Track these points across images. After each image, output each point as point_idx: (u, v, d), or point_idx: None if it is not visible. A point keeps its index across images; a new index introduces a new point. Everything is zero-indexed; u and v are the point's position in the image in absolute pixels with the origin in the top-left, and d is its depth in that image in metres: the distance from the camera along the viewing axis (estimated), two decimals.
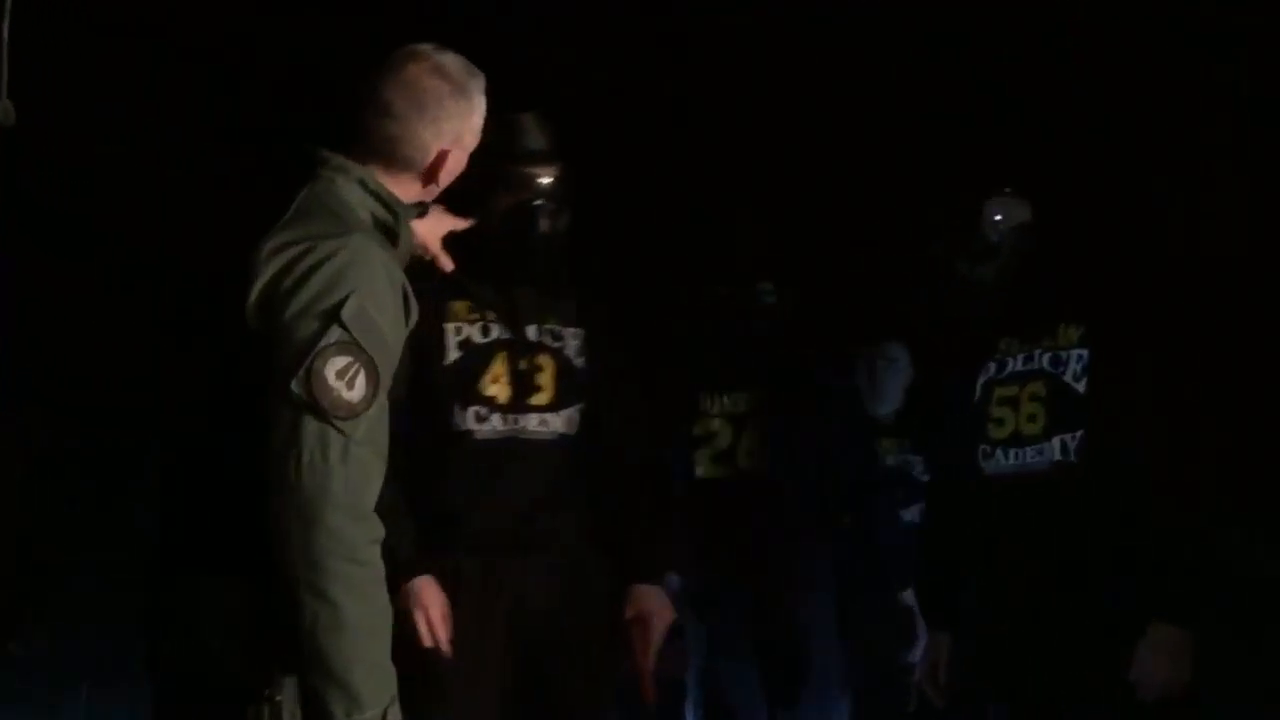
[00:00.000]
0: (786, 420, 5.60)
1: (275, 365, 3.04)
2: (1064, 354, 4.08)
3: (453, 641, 4.02)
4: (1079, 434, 4.01)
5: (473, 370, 4.14)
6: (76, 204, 5.70)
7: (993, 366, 4.20)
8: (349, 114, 3.31)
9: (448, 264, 3.73)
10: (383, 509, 3.89)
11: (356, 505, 3.02)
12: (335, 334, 3.03)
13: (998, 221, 4.22)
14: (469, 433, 4.13)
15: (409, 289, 3.21)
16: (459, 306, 4.18)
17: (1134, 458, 3.95)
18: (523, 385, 4.16)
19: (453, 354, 4.15)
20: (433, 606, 4.01)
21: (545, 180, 4.14)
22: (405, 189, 3.30)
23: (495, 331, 4.18)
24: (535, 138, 4.16)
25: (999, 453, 4.12)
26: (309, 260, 3.08)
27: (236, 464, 3.09)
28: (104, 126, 5.67)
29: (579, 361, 4.23)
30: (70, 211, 5.69)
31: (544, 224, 4.13)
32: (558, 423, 4.18)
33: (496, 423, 4.14)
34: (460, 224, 3.80)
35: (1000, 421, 4.13)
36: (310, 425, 3.00)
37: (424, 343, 4.06)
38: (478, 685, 4.05)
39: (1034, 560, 4.02)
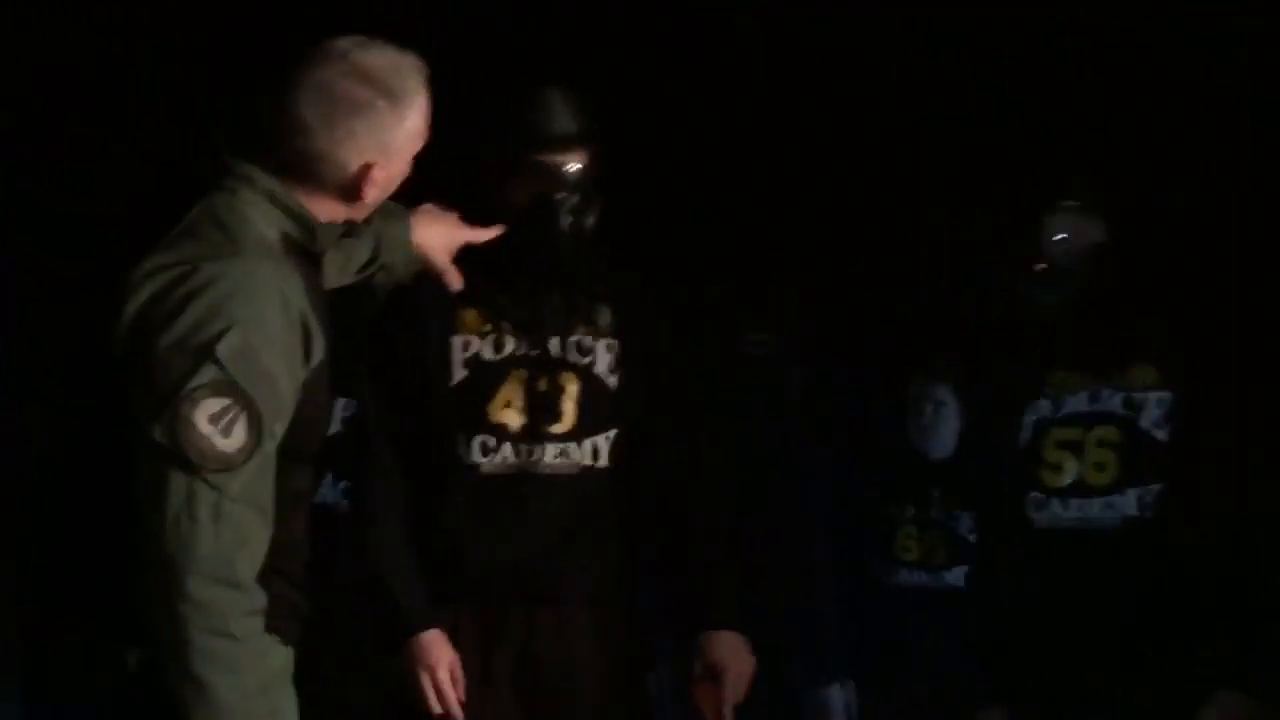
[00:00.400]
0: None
1: (140, 408, 2.65)
2: (1139, 396, 3.69)
3: (463, 704, 3.51)
4: (1157, 488, 3.66)
5: (481, 393, 3.56)
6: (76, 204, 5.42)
7: (1045, 404, 3.77)
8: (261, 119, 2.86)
9: (456, 281, 3.23)
10: (384, 551, 3.53)
11: (228, 572, 2.64)
12: (209, 373, 2.63)
13: (1062, 240, 3.71)
14: (474, 466, 3.56)
15: (312, 321, 2.75)
16: (469, 316, 3.60)
17: (1224, 518, 3.61)
18: (540, 410, 3.57)
19: (458, 373, 3.57)
20: (440, 666, 3.49)
21: (570, 168, 3.52)
22: (326, 208, 2.85)
23: (510, 346, 3.60)
24: (558, 118, 3.54)
25: (1055, 502, 3.72)
26: (185, 286, 2.68)
27: (109, 517, 2.74)
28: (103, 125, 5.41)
29: (612, 380, 3.62)
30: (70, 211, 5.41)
31: (567, 219, 3.51)
32: (580, 454, 3.59)
33: (506, 454, 3.57)
34: (478, 235, 3.30)
35: (1058, 468, 3.73)
36: (176, 478, 2.63)
37: (427, 360, 3.54)
38: None
39: (1093, 626, 3.66)
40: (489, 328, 3.57)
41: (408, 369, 3.56)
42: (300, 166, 2.80)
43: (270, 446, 2.69)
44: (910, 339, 5.81)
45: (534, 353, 3.57)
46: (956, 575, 5.25)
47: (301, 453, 2.81)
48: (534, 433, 3.56)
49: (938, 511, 5.40)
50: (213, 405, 2.63)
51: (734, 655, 3.58)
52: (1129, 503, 3.65)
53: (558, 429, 3.57)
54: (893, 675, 5.27)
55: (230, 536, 2.64)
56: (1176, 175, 4.76)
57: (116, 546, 2.71)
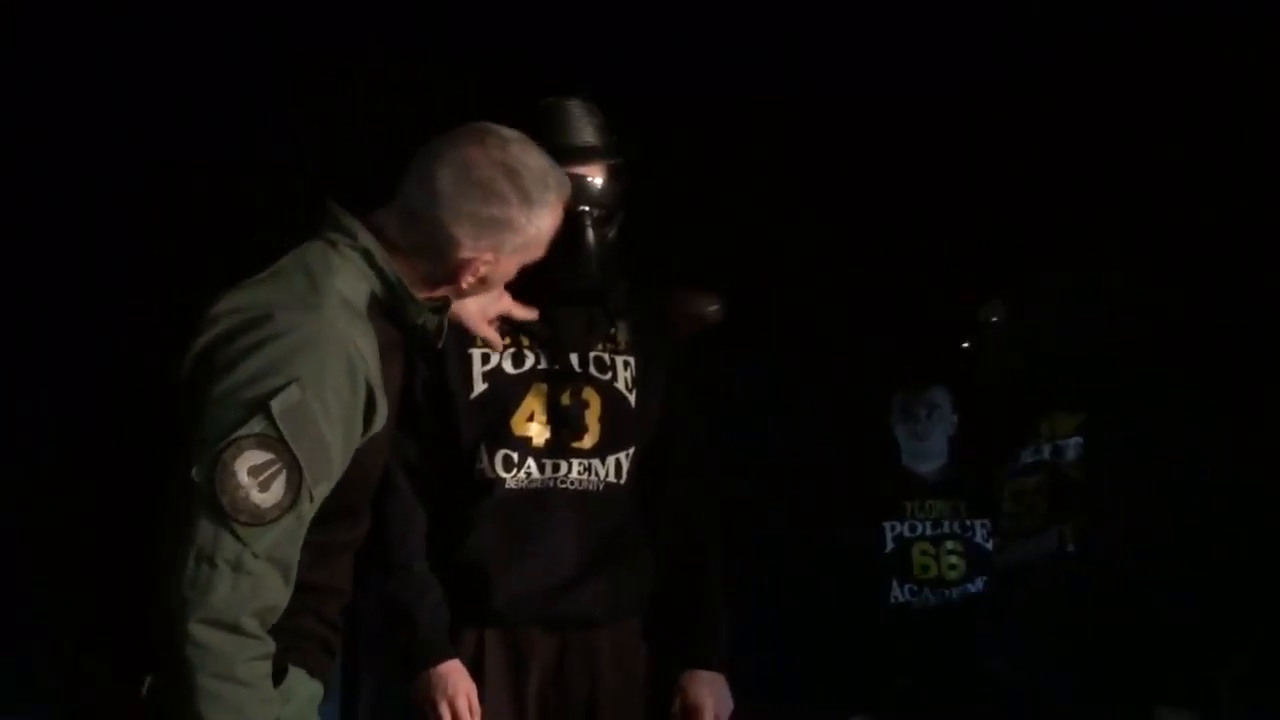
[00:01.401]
0: None
1: (186, 444, 2.61)
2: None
3: None
4: None
5: (503, 406, 3.47)
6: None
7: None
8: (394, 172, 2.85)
9: (497, 343, 3.26)
10: (402, 573, 3.42)
11: (235, 620, 2.59)
12: (259, 425, 2.59)
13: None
14: (498, 481, 3.46)
15: (377, 388, 2.71)
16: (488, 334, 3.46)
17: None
18: (564, 424, 3.49)
19: (479, 386, 3.48)
20: (459, 697, 3.40)
21: (592, 181, 3.44)
22: (421, 278, 2.83)
23: (531, 360, 3.51)
24: (579, 130, 3.46)
25: None
26: (257, 333, 2.65)
27: (137, 545, 2.72)
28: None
29: (631, 397, 3.55)
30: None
31: (591, 234, 3.43)
32: (604, 470, 3.51)
33: (531, 469, 3.48)
34: (517, 309, 3.26)
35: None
36: (204, 522, 2.58)
37: (447, 374, 3.45)
38: None
39: None
40: (508, 341, 3.48)
41: (426, 387, 3.47)
42: (413, 225, 2.80)
43: (307, 510, 2.65)
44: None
45: (555, 367, 3.49)
46: (977, 584, 5.22)
47: (351, 510, 2.79)
48: (558, 447, 3.48)
49: (952, 524, 5.34)
50: (256, 457, 2.60)
51: (713, 696, 3.52)
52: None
53: (582, 443, 3.49)
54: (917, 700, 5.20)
55: (247, 590, 2.59)
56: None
57: (142, 573, 2.66)
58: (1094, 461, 3.81)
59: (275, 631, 2.65)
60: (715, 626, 3.57)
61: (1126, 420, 3.85)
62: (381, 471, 2.92)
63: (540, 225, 2.86)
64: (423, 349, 3.04)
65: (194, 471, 2.58)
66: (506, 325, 3.45)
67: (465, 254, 2.81)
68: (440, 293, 2.87)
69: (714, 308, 4.13)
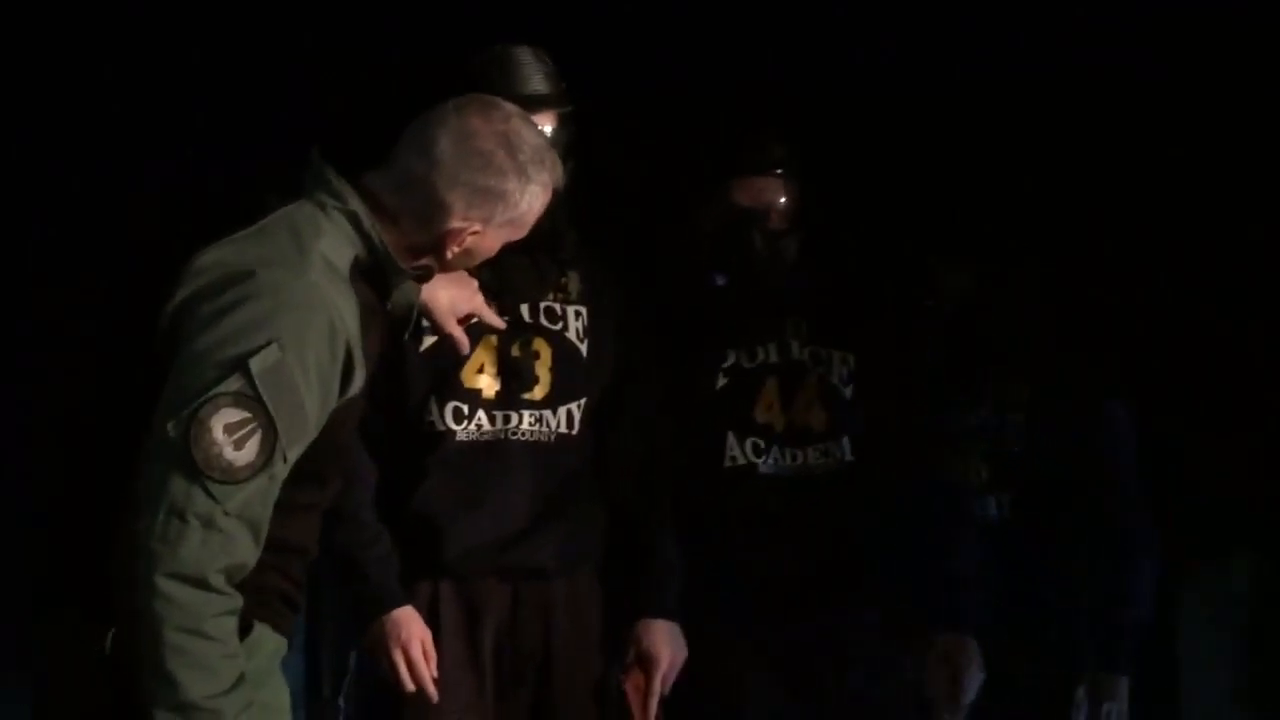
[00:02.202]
0: None
1: (163, 399, 2.59)
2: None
3: (438, 681, 3.42)
4: None
5: (452, 358, 3.43)
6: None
7: None
8: (390, 131, 2.85)
9: (464, 345, 3.18)
10: (351, 524, 3.42)
11: (202, 576, 2.57)
12: (237, 383, 2.57)
13: None
14: (448, 433, 3.46)
15: (357, 352, 2.69)
16: None
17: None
18: (514, 376, 3.49)
19: (429, 338, 3.45)
20: (412, 643, 3.40)
21: (543, 129, 3.41)
22: (407, 245, 2.81)
23: None
24: (528, 78, 3.43)
25: None
26: (238, 290, 2.63)
27: (109, 497, 2.66)
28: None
29: (583, 347, 3.55)
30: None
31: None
32: (555, 421, 3.51)
33: (482, 421, 3.47)
34: (487, 314, 3.22)
35: None
36: (177, 478, 2.57)
37: (395, 324, 3.40)
38: None
39: None
40: None
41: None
42: (407, 186, 2.79)
43: (280, 470, 2.63)
44: None
45: (505, 318, 3.42)
46: None
47: (319, 475, 2.77)
48: (508, 398, 3.48)
49: None
50: (232, 415, 2.58)
51: (668, 645, 3.54)
52: None
53: (533, 394, 3.49)
54: None
55: (217, 546, 2.58)
56: None
57: (111, 527, 2.64)
58: (1035, 437, 3.90)
59: (241, 587, 2.64)
60: (668, 575, 3.58)
61: (1068, 399, 3.94)
62: (350, 443, 2.91)
63: (531, 203, 2.86)
64: (393, 327, 3.03)
65: (169, 426, 2.57)
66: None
67: (455, 223, 2.80)
68: (424, 261, 2.86)
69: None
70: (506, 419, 3.48)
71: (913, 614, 3.87)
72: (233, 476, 2.57)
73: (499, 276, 3.45)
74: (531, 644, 3.48)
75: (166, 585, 2.55)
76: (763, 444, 3.78)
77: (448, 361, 3.46)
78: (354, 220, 2.75)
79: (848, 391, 3.81)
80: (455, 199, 2.78)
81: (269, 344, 2.59)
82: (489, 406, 3.47)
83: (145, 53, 5.06)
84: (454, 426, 3.46)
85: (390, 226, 2.79)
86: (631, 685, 3.50)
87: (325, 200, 2.76)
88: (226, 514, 2.57)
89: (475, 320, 3.18)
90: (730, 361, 3.81)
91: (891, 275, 4.20)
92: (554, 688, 3.48)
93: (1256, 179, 4.92)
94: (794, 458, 3.79)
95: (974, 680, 3.83)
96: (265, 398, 2.58)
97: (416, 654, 3.39)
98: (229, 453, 2.57)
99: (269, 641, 2.76)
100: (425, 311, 3.10)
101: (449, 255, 2.84)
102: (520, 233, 2.88)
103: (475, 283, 3.18)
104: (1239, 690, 4.85)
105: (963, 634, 3.85)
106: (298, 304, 2.63)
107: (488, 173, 2.79)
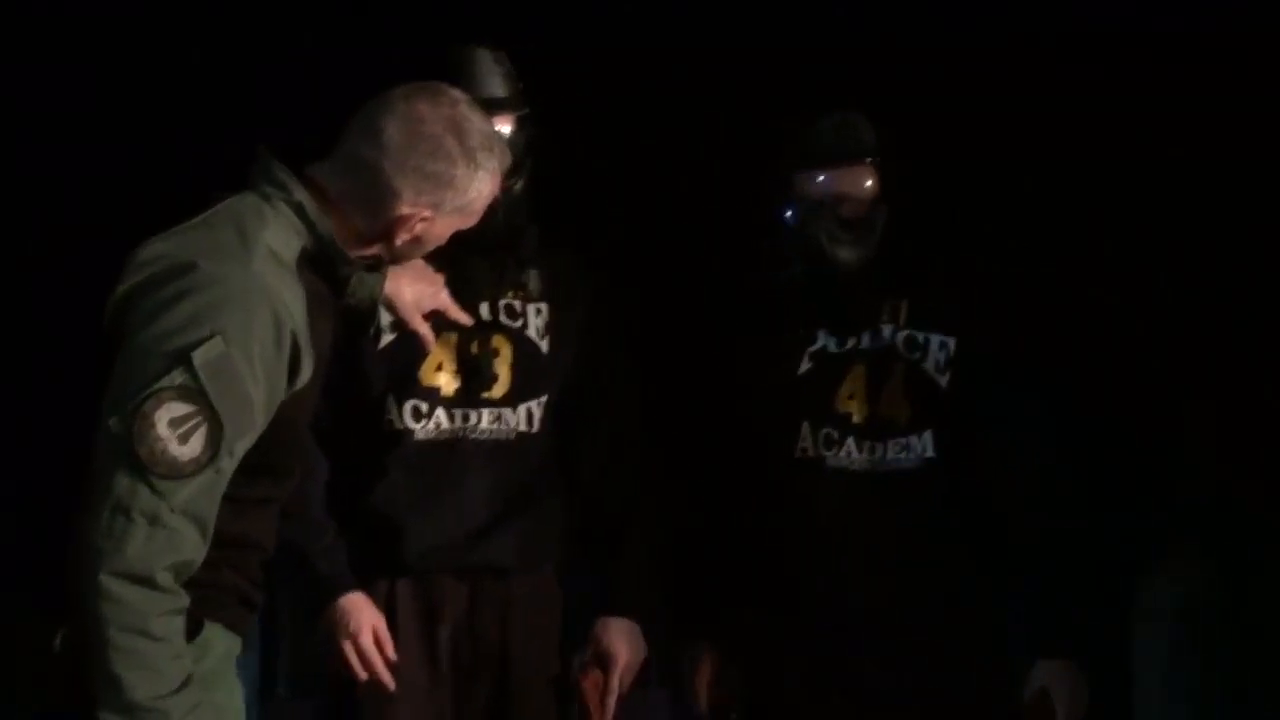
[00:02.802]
0: None
1: (107, 394, 2.58)
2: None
3: (395, 667, 3.40)
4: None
5: (411, 356, 3.45)
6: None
7: None
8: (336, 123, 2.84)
9: (430, 341, 3.23)
10: (297, 520, 3.34)
11: (148, 574, 2.55)
12: (181, 377, 2.55)
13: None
14: (406, 432, 3.45)
15: (304, 343, 2.68)
16: None
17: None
18: (473, 374, 3.48)
19: (387, 336, 3.45)
20: (363, 631, 3.38)
21: (500, 133, 3.30)
22: (353, 230, 2.79)
23: None
24: (486, 80, 3.42)
25: None
26: (181, 282, 2.61)
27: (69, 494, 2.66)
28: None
29: (543, 345, 3.54)
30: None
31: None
32: (515, 419, 3.50)
33: (441, 420, 3.47)
34: (453, 310, 3.26)
35: None
36: (121, 474, 2.55)
37: (354, 320, 3.32)
38: None
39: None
40: None
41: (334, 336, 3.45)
42: (355, 172, 2.78)
43: (226, 465, 2.61)
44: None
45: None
46: None
47: (274, 467, 2.76)
48: (467, 396, 3.47)
49: None
50: (177, 409, 2.56)
51: (627, 644, 3.53)
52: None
53: (492, 393, 3.48)
54: None
55: (162, 544, 2.56)
56: None
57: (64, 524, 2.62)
58: (964, 374, 3.65)
59: (192, 585, 2.62)
60: (634, 574, 3.57)
61: (998, 339, 3.73)
62: (304, 436, 2.89)
63: (480, 189, 2.85)
64: (355, 323, 3.02)
65: (113, 421, 2.55)
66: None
67: (404, 209, 2.78)
68: (373, 250, 2.84)
69: None
70: (465, 417, 3.47)
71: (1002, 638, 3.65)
72: (178, 472, 2.56)
73: (458, 275, 3.45)
74: (489, 642, 3.47)
75: (111, 584, 2.53)
76: (836, 435, 3.64)
77: (406, 359, 3.45)
78: (299, 210, 2.74)
79: (943, 380, 3.64)
80: (404, 185, 2.77)
81: (212, 336, 2.57)
82: (448, 405, 3.47)
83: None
84: (413, 425, 3.45)
85: (337, 215, 2.78)
86: (589, 683, 3.50)
87: (270, 191, 2.75)
88: (172, 510, 2.56)
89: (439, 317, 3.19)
90: (818, 345, 3.69)
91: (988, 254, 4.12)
92: (512, 686, 3.47)
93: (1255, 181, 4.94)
94: (871, 451, 3.63)
95: (1076, 715, 3.56)
96: (209, 391, 2.56)
97: (367, 642, 3.37)
98: (174, 448, 2.55)
99: (221, 641, 2.74)
100: (390, 306, 3.10)
101: (398, 243, 2.82)
102: (469, 220, 2.87)
103: (441, 278, 3.19)
104: (1191, 690, 4.87)
105: (1064, 659, 3.57)
106: (241, 296, 2.61)
107: (437, 158, 2.78)
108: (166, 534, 2.56)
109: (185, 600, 2.60)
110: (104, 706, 2.55)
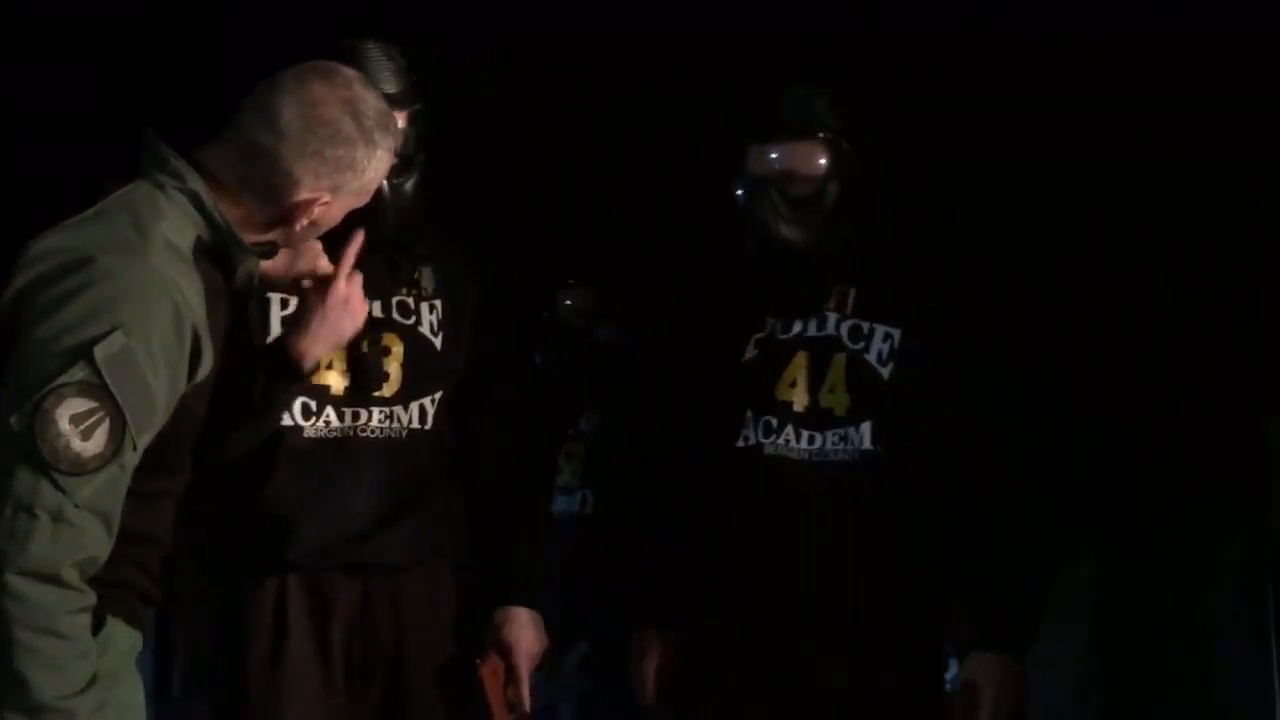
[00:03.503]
0: None
1: (4, 392, 2.54)
2: None
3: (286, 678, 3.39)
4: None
5: None
6: None
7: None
8: (228, 108, 2.81)
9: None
10: None
11: (54, 572, 2.52)
12: (81, 373, 2.52)
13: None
14: (295, 429, 3.42)
15: (204, 335, 2.66)
16: (286, 295, 3.40)
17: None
18: (362, 373, 3.45)
19: (276, 332, 3.42)
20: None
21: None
22: (251, 217, 2.77)
23: None
24: (376, 76, 3.33)
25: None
26: (78, 277, 2.57)
27: None
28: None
29: (436, 341, 3.51)
30: None
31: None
32: (407, 417, 3.48)
33: (330, 418, 3.44)
34: (325, 268, 3.16)
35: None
36: (23, 472, 2.51)
37: (242, 317, 3.35)
38: None
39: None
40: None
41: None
42: (253, 161, 2.75)
43: (130, 459, 2.59)
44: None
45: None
46: None
47: (171, 462, 2.74)
48: (357, 395, 3.44)
49: None
50: (77, 405, 2.54)
51: (526, 633, 3.52)
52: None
53: (383, 391, 3.46)
54: None
55: (67, 541, 2.54)
56: None
57: None
58: (906, 367, 3.55)
59: (95, 582, 2.60)
60: (530, 565, 3.56)
61: (942, 323, 3.61)
62: (198, 429, 2.84)
63: (377, 168, 2.83)
64: (235, 304, 3.00)
65: (13, 420, 2.52)
66: (286, 335, 3.33)
67: (304, 194, 2.77)
68: (270, 236, 2.83)
69: None
70: (355, 415, 3.45)
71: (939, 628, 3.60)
72: (81, 468, 2.53)
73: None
74: (382, 638, 3.44)
75: (17, 583, 2.51)
76: (775, 423, 3.57)
77: None
78: (195, 199, 2.72)
79: (885, 372, 3.56)
80: (304, 171, 2.75)
81: (113, 330, 2.55)
82: (337, 403, 3.44)
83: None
84: (302, 422, 3.43)
85: (233, 203, 2.76)
86: (488, 671, 3.48)
87: (163, 180, 2.72)
88: (77, 506, 2.53)
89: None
90: (764, 332, 3.63)
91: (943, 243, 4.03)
92: (406, 682, 3.45)
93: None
94: (811, 441, 3.56)
95: (1002, 711, 3.46)
96: (111, 386, 2.54)
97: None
98: (76, 444, 2.53)
99: (123, 638, 2.71)
100: (263, 278, 3.06)
101: (297, 228, 2.81)
102: (364, 199, 2.86)
103: (319, 247, 3.14)
104: (1079, 690, 4.81)
105: (998, 653, 3.48)
106: (140, 289, 2.59)
107: (336, 142, 2.76)
108: (72, 531, 2.53)
109: (92, 598, 2.58)
110: (9, 708, 2.52)
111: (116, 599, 2.68)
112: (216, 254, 2.76)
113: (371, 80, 3.32)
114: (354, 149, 2.77)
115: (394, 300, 3.49)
